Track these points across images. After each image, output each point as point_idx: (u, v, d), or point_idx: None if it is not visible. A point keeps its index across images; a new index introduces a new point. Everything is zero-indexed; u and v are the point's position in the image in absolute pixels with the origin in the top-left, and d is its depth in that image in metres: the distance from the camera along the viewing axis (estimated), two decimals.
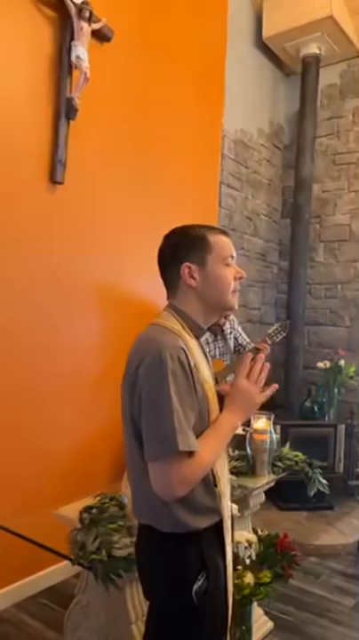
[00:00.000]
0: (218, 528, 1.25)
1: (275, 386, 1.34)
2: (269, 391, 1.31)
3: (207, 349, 3.06)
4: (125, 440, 1.24)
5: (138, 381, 1.16)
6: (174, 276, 1.29)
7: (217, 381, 1.37)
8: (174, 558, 1.20)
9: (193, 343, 1.25)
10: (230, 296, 1.30)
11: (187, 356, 1.16)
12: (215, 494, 1.23)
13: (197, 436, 1.16)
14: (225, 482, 1.29)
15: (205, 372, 1.25)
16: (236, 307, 1.34)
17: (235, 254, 1.32)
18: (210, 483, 1.22)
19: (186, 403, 1.13)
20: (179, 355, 1.14)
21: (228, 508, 1.30)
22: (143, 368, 1.15)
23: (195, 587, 1.17)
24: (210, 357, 1.42)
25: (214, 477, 1.23)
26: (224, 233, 1.32)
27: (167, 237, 1.33)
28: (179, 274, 1.27)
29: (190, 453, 1.12)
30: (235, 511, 1.94)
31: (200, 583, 1.18)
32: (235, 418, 1.24)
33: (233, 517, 1.38)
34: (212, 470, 1.23)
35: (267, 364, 1.29)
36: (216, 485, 1.23)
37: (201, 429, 1.19)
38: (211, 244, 1.27)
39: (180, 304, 1.29)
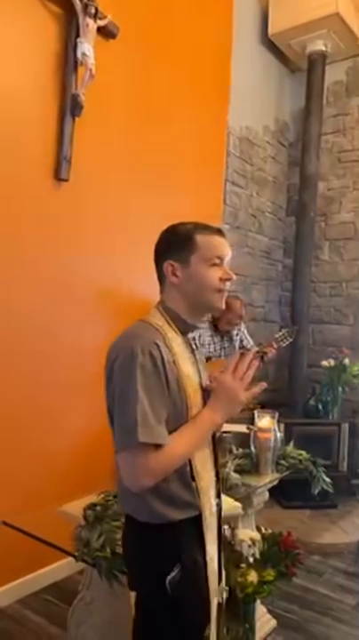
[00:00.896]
0: (198, 522, 1.25)
1: (263, 384, 1.32)
2: (256, 389, 1.29)
3: (213, 349, 3.10)
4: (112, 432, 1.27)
5: (113, 375, 1.20)
6: (161, 274, 1.32)
7: None
8: (150, 548, 1.23)
9: (177, 340, 1.26)
10: (213, 296, 1.29)
11: (160, 352, 1.18)
12: (192, 489, 1.24)
13: (173, 430, 1.18)
14: (208, 479, 1.29)
15: (187, 368, 1.26)
16: (223, 307, 1.33)
17: (226, 255, 1.30)
18: (185, 476, 1.23)
19: (154, 396, 1.15)
20: (151, 350, 1.16)
21: (212, 505, 1.29)
22: (117, 362, 1.19)
23: (169, 577, 1.19)
24: (201, 354, 1.43)
25: (192, 472, 1.24)
26: (218, 233, 1.32)
27: (160, 234, 1.35)
28: (163, 271, 1.30)
29: (157, 446, 1.13)
30: (239, 510, 1.95)
31: (174, 574, 1.19)
32: (215, 414, 1.25)
33: (220, 516, 1.35)
34: (191, 465, 1.24)
35: (256, 362, 1.27)
36: (194, 480, 1.24)
37: (176, 423, 1.20)
38: (196, 243, 1.27)
39: (167, 300, 1.32)
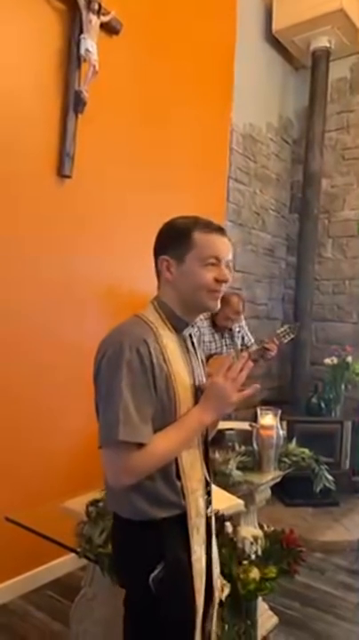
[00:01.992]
0: (183, 520, 1.23)
1: (256, 386, 1.28)
2: (248, 391, 1.25)
3: (214, 346, 3.09)
4: None
5: (100, 372, 1.19)
6: (157, 268, 1.31)
7: None
8: (134, 545, 1.23)
9: (169, 337, 1.24)
10: (205, 297, 1.25)
11: (149, 349, 1.16)
12: (177, 488, 1.22)
13: (159, 428, 1.17)
14: (197, 478, 1.26)
15: (179, 366, 1.23)
16: (216, 308, 1.30)
17: (224, 255, 1.26)
18: (170, 475, 1.21)
19: (140, 394, 1.13)
20: (139, 347, 1.15)
21: (200, 505, 1.26)
22: (105, 358, 1.18)
23: (152, 575, 1.18)
24: (199, 351, 1.40)
25: (178, 470, 1.22)
26: (218, 231, 1.27)
27: (160, 228, 1.33)
28: (158, 266, 1.29)
29: (140, 445, 1.12)
30: (241, 507, 1.95)
31: (157, 572, 1.19)
32: (204, 414, 1.22)
33: (209, 518, 1.32)
34: (177, 463, 1.22)
35: (250, 364, 1.24)
36: (179, 479, 1.22)
37: (163, 421, 1.18)
38: (193, 241, 1.23)
39: (162, 295, 1.30)
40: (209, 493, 1.33)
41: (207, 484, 1.32)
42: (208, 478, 1.33)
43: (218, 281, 1.24)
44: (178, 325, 1.29)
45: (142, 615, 1.24)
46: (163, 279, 1.29)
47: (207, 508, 1.31)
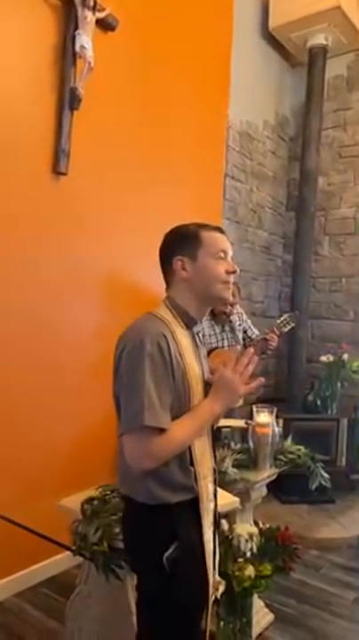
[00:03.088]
0: (194, 503, 1.31)
1: (261, 379, 1.41)
2: (254, 384, 1.36)
3: (215, 340, 3.08)
4: (117, 418, 1.33)
5: (121, 364, 1.28)
6: (169, 271, 1.40)
7: None
8: (147, 527, 1.30)
9: (182, 333, 1.34)
10: (220, 287, 1.37)
11: (168, 344, 1.25)
12: (191, 473, 1.31)
13: (175, 419, 1.25)
14: (207, 465, 1.36)
15: (191, 360, 1.33)
16: (230, 298, 1.45)
17: (228, 250, 1.40)
18: (185, 462, 1.30)
19: (161, 384, 1.22)
20: (159, 340, 1.24)
21: (209, 490, 1.36)
22: (126, 351, 1.26)
23: (166, 554, 1.25)
24: (203, 347, 1.51)
25: (191, 457, 1.31)
26: (218, 230, 1.42)
27: (165, 236, 1.44)
28: (173, 267, 1.38)
29: (161, 430, 1.20)
30: (237, 504, 1.95)
31: (171, 551, 1.25)
32: (214, 405, 1.31)
33: (216, 502, 1.42)
34: (191, 451, 1.31)
35: (256, 358, 1.35)
36: (192, 465, 1.31)
37: (179, 412, 1.27)
38: (202, 239, 1.37)
39: (175, 296, 1.39)
40: (215, 481, 1.42)
41: (214, 472, 1.41)
42: (215, 466, 1.43)
43: (228, 272, 1.38)
44: (189, 322, 1.39)
45: (156, 596, 1.30)
46: (178, 279, 1.38)
47: (214, 494, 1.40)
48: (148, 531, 1.30)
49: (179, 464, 1.29)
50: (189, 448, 1.30)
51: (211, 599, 1.39)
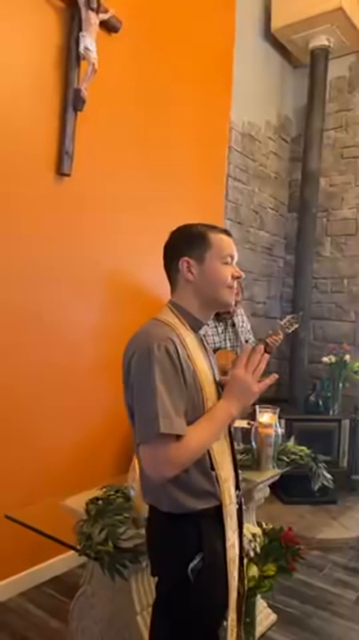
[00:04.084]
0: (218, 511, 1.29)
1: (275, 375, 1.39)
2: (268, 380, 1.35)
3: (218, 339, 3.08)
4: (131, 427, 1.31)
5: (130, 371, 1.25)
6: (174, 272, 1.37)
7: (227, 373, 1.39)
8: (172, 537, 1.28)
9: (190, 336, 1.31)
10: (225, 292, 1.35)
11: (176, 348, 1.22)
12: (212, 478, 1.28)
13: (191, 423, 1.22)
14: (227, 467, 1.33)
15: (201, 363, 1.30)
16: (233, 304, 1.40)
17: (235, 255, 1.37)
18: (206, 466, 1.28)
19: (173, 390, 1.19)
20: (166, 345, 1.21)
21: (232, 493, 1.33)
22: (134, 359, 1.23)
23: (191, 565, 1.23)
24: (210, 349, 1.48)
25: (211, 461, 1.29)
26: (226, 233, 1.38)
27: (171, 234, 1.40)
28: (179, 268, 1.34)
29: (177, 437, 1.18)
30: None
31: (196, 562, 1.24)
32: (230, 406, 1.29)
33: (242, 504, 1.40)
34: (210, 455, 1.28)
35: (267, 355, 1.33)
36: (213, 469, 1.28)
37: (194, 416, 1.24)
38: (210, 241, 1.33)
39: (179, 299, 1.36)
40: (238, 483, 1.40)
41: (236, 474, 1.39)
42: (238, 470, 1.40)
43: (234, 277, 1.35)
44: (195, 325, 1.36)
45: (177, 602, 1.29)
46: (183, 280, 1.35)
47: (237, 495, 1.38)
48: (174, 541, 1.28)
49: (200, 469, 1.27)
50: (208, 452, 1.28)
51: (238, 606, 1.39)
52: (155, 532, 1.35)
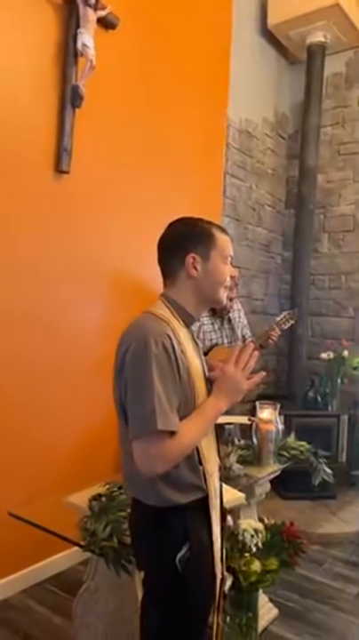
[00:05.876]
0: (204, 504, 1.31)
1: (263, 373, 1.40)
2: (257, 378, 1.35)
3: (215, 336, 3.09)
4: (118, 420, 1.32)
5: (124, 366, 1.24)
6: (176, 265, 1.34)
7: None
8: (158, 529, 1.28)
9: (183, 332, 1.32)
10: (222, 292, 1.38)
11: (172, 343, 1.22)
12: (199, 472, 1.30)
13: (182, 418, 1.22)
14: (213, 462, 1.36)
15: (194, 359, 1.31)
16: (224, 302, 1.44)
17: (232, 254, 1.41)
18: (194, 461, 1.29)
19: (168, 385, 1.20)
20: (163, 341, 1.21)
21: (216, 486, 1.36)
22: (129, 353, 1.22)
23: (179, 555, 1.25)
24: (201, 344, 1.49)
25: (199, 456, 1.30)
26: (225, 232, 1.41)
27: (173, 225, 1.38)
28: (183, 263, 1.33)
29: (171, 433, 1.18)
30: (243, 500, 1.97)
31: (183, 552, 1.25)
32: (219, 402, 1.30)
33: (222, 499, 1.42)
34: (198, 450, 1.29)
35: (256, 353, 1.34)
36: (201, 464, 1.30)
37: (186, 412, 1.25)
38: (216, 240, 1.35)
39: (175, 294, 1.35)
40: (221, 477, 1.42)
41: (219, 468, 1.40)
42: (220, 463, 1.42)
43: (230, 277, 1.41)
44: (187, 321, 1.36)
45: (165, 595, 1.29)
46: (185, 276, 1.34)
47: (220, 490, 1.40)
48: (159, 533, 1.28)
49: (188, 464, 1.27)
50: (196, 447, 1.29)
51: (219, 594, 1.41)
52: (141, 525, 1.36)
